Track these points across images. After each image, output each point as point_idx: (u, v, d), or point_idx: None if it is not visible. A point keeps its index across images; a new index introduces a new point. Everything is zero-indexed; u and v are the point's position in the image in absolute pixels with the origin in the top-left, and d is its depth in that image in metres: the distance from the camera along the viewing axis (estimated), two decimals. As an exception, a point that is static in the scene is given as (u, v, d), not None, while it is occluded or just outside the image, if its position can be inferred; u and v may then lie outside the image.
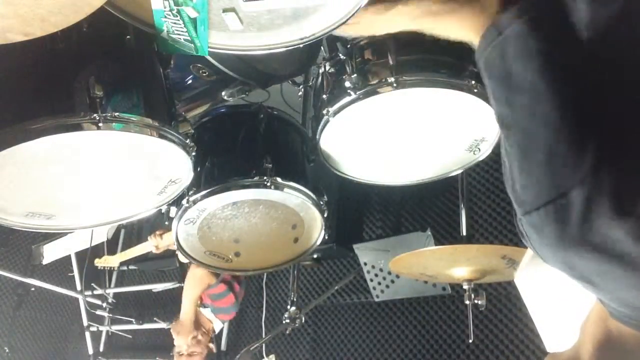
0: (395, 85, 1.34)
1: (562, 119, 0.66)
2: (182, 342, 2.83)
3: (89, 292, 3.78)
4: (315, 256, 2.97)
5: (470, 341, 1.97)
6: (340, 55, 1.47)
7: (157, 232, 2.88)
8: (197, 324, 2.92)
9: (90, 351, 4.04)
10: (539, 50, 0.70)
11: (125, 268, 3.80)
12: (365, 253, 2.75)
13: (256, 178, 1.60)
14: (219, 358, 3.43)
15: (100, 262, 3.49)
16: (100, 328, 4.05)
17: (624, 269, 0.64)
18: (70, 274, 4.01)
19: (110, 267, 3.53)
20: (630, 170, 0.63)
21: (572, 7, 0.73)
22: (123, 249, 3.67)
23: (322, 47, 1.79)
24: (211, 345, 2.96)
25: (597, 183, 0.62)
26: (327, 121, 1.46)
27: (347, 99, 1.40)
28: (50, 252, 3.98)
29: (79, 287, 3.89)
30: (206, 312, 2.99)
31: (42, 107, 1.14)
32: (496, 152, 1.42)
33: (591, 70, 0.70)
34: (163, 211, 1.66)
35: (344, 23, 1.10)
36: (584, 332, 0.83)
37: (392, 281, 2.73)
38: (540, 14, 0.72)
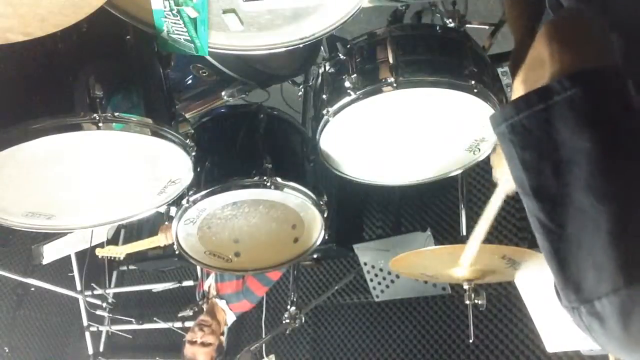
0: (395, 85, 1.34)
1: (626, 193, 0.58)
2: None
3: (89, 292, 3.78)
4: (315, 256, 2.96)
5: (471, 341, 1.97)
6: (340, 55, 1.47)
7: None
8: (213, 314, 2.91)
9: (90, 351, 4.04)
10: (594, 121, 0.63)
11: (125, 268, 3.79)
12: (365, 253, 2.74)
13: (256, 178, 1.59)
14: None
15: (103, 252, 3.41)
16: (100, 328, 4.05)
17: None
18: (70, 274, 4.01)
19: (116, 257, 3.43)
20: None
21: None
22: (123, 248, 3.66)
23: (322, 47, 1.79)
24: (222, 338, 2.94)
25: None
26: (327, 121, 1.46)
27: (347, 99, 1.39)
28: (50, 252, 3.97)
29: (79, 287, 3.89)
30: (221, 304, 2.97)
31: (42, 107, 1.14)
32: (496, 152, 1.42)
33: None
34: (163, 211, 1.66)
35: (344, 23, 1.10)
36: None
37: (392, 281, 2.72)
38: (591, 84, 0.65)
